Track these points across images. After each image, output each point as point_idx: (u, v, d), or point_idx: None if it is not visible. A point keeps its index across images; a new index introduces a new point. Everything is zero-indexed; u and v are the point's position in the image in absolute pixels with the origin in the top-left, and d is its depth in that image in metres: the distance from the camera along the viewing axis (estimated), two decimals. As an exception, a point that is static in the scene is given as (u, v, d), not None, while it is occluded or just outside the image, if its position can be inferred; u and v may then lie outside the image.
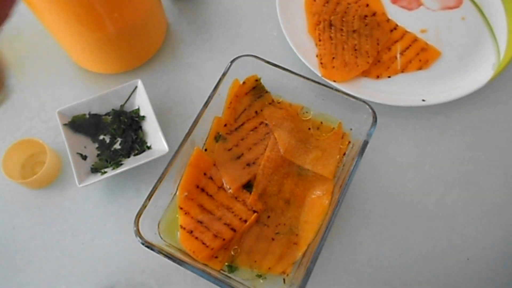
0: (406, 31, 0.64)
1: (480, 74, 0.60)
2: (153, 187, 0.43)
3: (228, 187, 0.47)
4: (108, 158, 0.54)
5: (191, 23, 0.66)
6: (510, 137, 0.58)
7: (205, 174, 0.47)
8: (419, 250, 0.51)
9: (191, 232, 0.44)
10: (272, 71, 0.49)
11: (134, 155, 0.55)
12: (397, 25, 0.64)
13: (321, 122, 0.50)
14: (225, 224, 0.45)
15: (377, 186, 0.54)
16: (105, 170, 0.53)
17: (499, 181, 0.55)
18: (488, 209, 0.53)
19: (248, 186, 0.47)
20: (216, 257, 0.44)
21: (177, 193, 0.46)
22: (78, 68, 0.63)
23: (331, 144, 0.49)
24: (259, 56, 0.49)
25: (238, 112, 0.51)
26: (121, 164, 0.53)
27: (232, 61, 0.48)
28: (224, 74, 0.48)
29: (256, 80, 0.51)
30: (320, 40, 0.62)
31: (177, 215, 0.46)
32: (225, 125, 0.50)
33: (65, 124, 0.54)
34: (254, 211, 0.46)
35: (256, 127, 0.50)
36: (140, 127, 0.57)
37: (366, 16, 0.64)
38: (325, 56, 0.60)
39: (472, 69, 0.61)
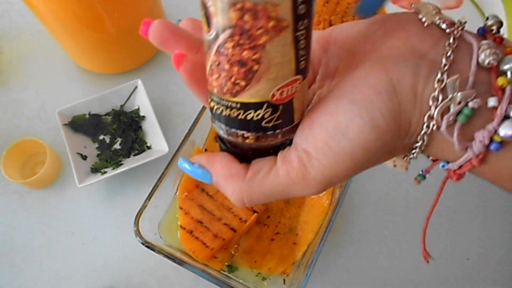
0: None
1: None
2: (153, 187, 0.43)
3: (228, 187, 0.47)
4: (108, 158, 0.54)
5: (191, 23, 0.66)
6: (510, 137, 0.57)
7: (205, 174, 0.47)
8: (419, 250, 0.51)
9: (191, 232, 0.44)
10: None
11: (134, 155, 0.55)
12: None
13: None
14: (225, 224, 0.45)
15: (377, 186, 0.54)
16: (105, 170, 0.53)
17: (499, 181, 0.55)
18: (488, 209, 0.53)
19: (248, 186, 0.47)
20: (216, 257, 0.44)
21: (177, 193, 0.46)
22: (78, 68, 0.63)
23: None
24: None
25: (238, 112, 0.51)
26: (121, 164, 0.53)
27: (232, 61, 0.48)
28: (224, 74, 0.48)
29: (256, 80, 0.51)
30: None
31: (177, 215, 0.46)
32: (225, 125, 0.50)
33: (65, 124, 0.54)
34: (254, 211, 0.45)
35: (256, 127, 0.50)
36: (140, 127, 0.57)
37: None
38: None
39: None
